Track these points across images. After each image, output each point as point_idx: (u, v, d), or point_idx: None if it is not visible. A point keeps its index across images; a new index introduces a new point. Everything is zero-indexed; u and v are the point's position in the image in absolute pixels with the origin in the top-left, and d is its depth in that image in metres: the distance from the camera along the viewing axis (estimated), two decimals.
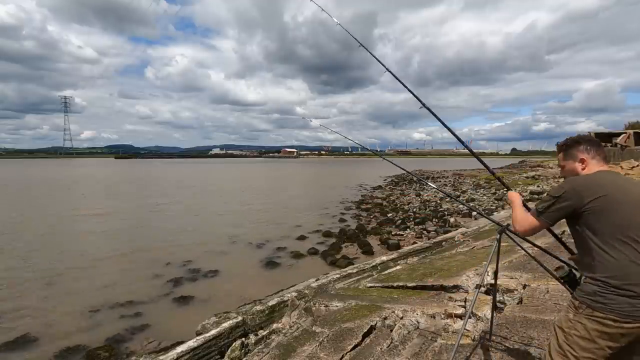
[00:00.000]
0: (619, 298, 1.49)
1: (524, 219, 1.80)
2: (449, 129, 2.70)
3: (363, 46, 3.03)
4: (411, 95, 2.74)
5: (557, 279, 1.98)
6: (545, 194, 1.74)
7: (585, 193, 1.60)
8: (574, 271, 1.87)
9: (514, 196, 2.01)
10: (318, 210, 18.63)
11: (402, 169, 3.65)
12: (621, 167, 25.04)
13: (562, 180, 1.82)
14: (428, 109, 2.67)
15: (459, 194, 22.11)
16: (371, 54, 3.00)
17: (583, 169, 1.76)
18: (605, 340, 1.54)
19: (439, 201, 18.95)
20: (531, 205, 2.05)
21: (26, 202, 22.66)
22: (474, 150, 2.99)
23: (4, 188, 32.40)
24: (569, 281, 1.87)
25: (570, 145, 1.82)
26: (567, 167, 1.83)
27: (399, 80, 2.79)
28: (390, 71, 2.83)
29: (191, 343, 3.53)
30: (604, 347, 1.54)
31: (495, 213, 13.03)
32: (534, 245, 2.86)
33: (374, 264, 6.02)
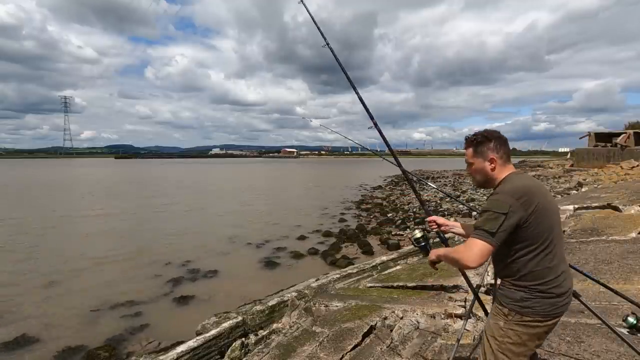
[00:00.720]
0: (543, 300, 1.56)
1: (470, 249, 1.52)
2: (365, 105, 2.59)
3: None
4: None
5: (413, 243, 2.01)
6: (486, 211, 1.53)
7: (526, 204, 1.52)
8: (427, 235, 1.92)
9: (438, 219, 1.94)
10: (318, 210, 18.63)
11: (402, 168, 3.65)
12: (621, 167, 25.05)
13: (473, 177, 1.75)
14: (351, 83, 2.62)
15: (459, 194, 22.12)
16: (316, 25, 2.87)
17: (492, 169, 1.66)
18: (534, 342, 1.61)
19: (439, 201, 18.95)
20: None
21: (26, 203, 22.67)
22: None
23: (4, 189, 32.40)
24: (423, 246, 1.92)
25: (480, 142, 1.67)
26: (475, 165, 1.70)
27: (338, 61, 2.76)
28: (330, 48, 2.78)
29: (191, 343, 3.53)
30: (532, 347, 1.62)
31: None
32: None
33: (374, 264, 6.02)
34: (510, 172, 1.66)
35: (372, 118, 2.52)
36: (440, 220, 2.01)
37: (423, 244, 1.94)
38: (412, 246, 1.96)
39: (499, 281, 1.73)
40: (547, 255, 1.56)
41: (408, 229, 12.95)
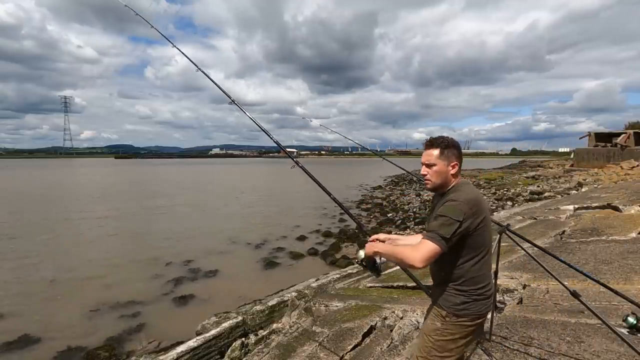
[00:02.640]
0: (478, 302, 1.68)
1: (420, 250, 1.54)
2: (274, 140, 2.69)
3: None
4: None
5: (359, 264, 1.95)
6: (442, 216, 1.57)
7: (476, 214, 1.60)
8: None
9: (377, 245, 1.82)
10: (318, 210, 18.63)
11: (402, 169, 3.65)
12: (621, 167, 25.04)
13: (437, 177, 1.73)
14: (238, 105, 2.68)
15: None
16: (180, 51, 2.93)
17: (453, 175, 1.71)
18: (464, 339, 1.72)
19: None
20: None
21: (26, 204, 22.66)
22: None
23: (5, 190, 32.39)
24: (370, 267, 1.87)
25: (448, 145, 1.71)
26: (437, 166, 1.70)
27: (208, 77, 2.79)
28: (200, 69, 2.83)
29: (191, 343, 3.53)
30: (463, 344, 1.73)
31: (495, 213, 13.02)
32: (534, 245, 2.86)
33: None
34: (460, 180, 1.74)
35: (228, 96, 2.59)
36: (382, 236, 1.96)
37: (370, 264, 1.86)
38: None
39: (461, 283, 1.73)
40: (486, 262, 1.70)
41: (408, 229, 12.95)
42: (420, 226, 13.24)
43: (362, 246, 1.88)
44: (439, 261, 1.67)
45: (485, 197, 17.84)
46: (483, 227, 1.63)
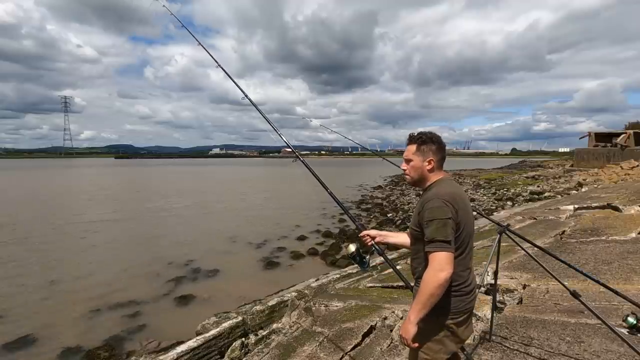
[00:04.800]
0: (456, 299, 1.63)
1: (438, 268, 1.51)
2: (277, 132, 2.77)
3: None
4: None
5: (348, 258, 2.00)
6: (433, 220, 1.55)
7: (457, 208, 1.58)
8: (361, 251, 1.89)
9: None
10: (318, 210, 18.62)
11: (402, 169, 3.65)
12: (621, 167, 25.03)
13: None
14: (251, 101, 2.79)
15: None
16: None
17: (429, 170, 1.71)
18: (450, 340, 1.67)
19: None
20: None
21: (27, 207, 22.67)
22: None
23: (5, 191, 32.40)
24: (359, 260, 1.91)
25: (425, 141, 1.71)
26: (414, 162, 1.72)
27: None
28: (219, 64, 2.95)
29: (191, 343, 3.53)
30: (449, 345, 1.68)
31: (495, 213, 13.02)
32: (534, 245, 2.86)
33: (374, 263, 6.02)
34: (442, 176, 1.73)
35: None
36: (373, 232, 2.00)
37: (359, 259, 1.91)
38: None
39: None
40: (467, 257, 1.66)
41: (408, 229, 12.96)
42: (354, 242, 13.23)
43: (352, 240, 1.91)
44: (416, 257, 1.70)
45: (478, 201, 17.91)
46: (463, 221, 1.61)
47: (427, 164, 1.71)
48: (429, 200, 1.63)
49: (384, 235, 2.02)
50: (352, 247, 1.91)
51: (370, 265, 1.90)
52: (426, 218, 1.59)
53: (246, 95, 2.75)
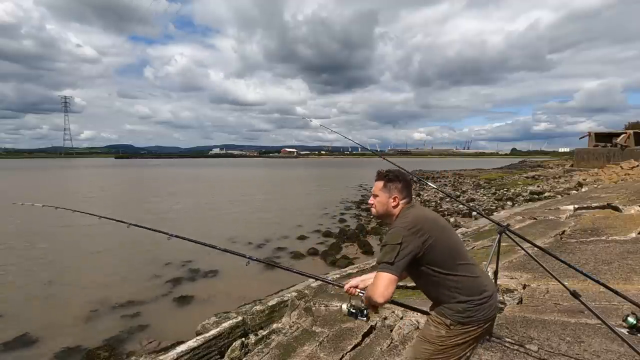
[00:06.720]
0: (481, 307, 1.69)
1: (376, 286, 1.61)
2: None
3: None
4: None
5: (346, 314, 1.94)
6: (384, 246, 1.67)
7: (419, 232, 1.65)
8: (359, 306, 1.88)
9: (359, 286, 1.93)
10: (318, 210, 18.63)
11: (402, 169, 3.64)
12: (621, 167, 25.04)
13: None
14: None
15: (459, 194, 22.11)
16: None
17: (394, 206, 1.81)
18: (470, 345, 1.73)
19: (439, 201, 18.95)
20: None
21: (27, 208, 22.64)
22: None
23: (5, 192, 32.41)
24: (357, 315, 1.88)
25: (391, 179, 1.83)
26: (380, 197, 1.84)
27: None
28: None
29: (191, 343, 3.53)
30: (467, 349, 1.74)
31: (495, 213, 13.03)
32: (534, 245, 2.86)
33: (373, 263, 6.02)
34: (407, 206, 1.82)
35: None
36: (355, 282, 2.00)
37: (355, 313, 1.89)
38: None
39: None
40: (471, 270, 1.72)
41: None
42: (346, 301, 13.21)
43: (344, 299, 1.93)
44: (421, 285, 1.78)
45: (478, 201, 17.87)
46: (435, 239, 1.66)
47: (392, 200, 1.81)
48: (389, 231, 1.73)
49: (367, 279, 1.99)
50: (344, 307, 1.92)
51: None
52: (381, 243, 1.73)
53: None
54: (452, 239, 1.75)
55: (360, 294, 1.93)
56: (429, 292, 1.77)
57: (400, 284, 4.79)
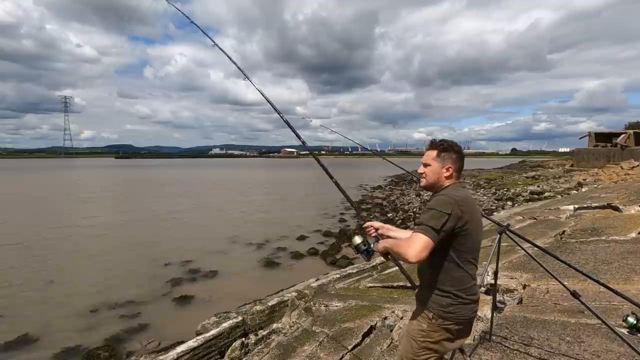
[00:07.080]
0: (465, 306, 1.70)
1: (413, 244, 1.56)
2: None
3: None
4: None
5: (354, 250, 2.04)
6: (431, 209, 1.61)
7: (464, 214, 1.62)
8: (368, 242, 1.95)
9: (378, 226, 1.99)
10: (318, 210, 18.62)
11: (402, 169, 3.65)
12: (621, 167, 25.03)
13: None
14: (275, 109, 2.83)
15: None
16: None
17: (447, 177, 1.75)
18: (447, 342, 1.74)
19: None
20: None
21: (27, 206, 22.68)
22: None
23: (5, 192, 32.40)
24: (365, 251, 1.96)
25: (446, 149, 1.77)
26: (432, 167, 1.77)
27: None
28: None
29: (191, 343, 3.53)
30: (447, 347, 1.77)
31: (495, 213, 13.02)
32: (534, 245, 2.86)
33: (374, 263, 6.01)
34: (455, 183, 1.78)
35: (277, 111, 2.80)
36: (377, 224, 2.04)
37: (364, 248, 1.96)
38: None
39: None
40: (473, 267, 1.72)
41: (408, 229, 12.97)
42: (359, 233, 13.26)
43: (356, 232, 1.96)
44: (427, 262, 1.71)
45: (478, 201, 17.93)
46: (471, 229, 1.64)
47: (445, 170, 1.75)
48: (438, 196, 1.70)
49: (388, 229, 2.05)
50: (358, 239, 1.98)
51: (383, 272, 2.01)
52: (427, 206, 1.66)
53: (246, 77, 2.85)
54: (480, 237, 1.74)
55: (376, 237, 1.99)
56: (430, 274, 1.75)
57: (400, 283, 4.79)
